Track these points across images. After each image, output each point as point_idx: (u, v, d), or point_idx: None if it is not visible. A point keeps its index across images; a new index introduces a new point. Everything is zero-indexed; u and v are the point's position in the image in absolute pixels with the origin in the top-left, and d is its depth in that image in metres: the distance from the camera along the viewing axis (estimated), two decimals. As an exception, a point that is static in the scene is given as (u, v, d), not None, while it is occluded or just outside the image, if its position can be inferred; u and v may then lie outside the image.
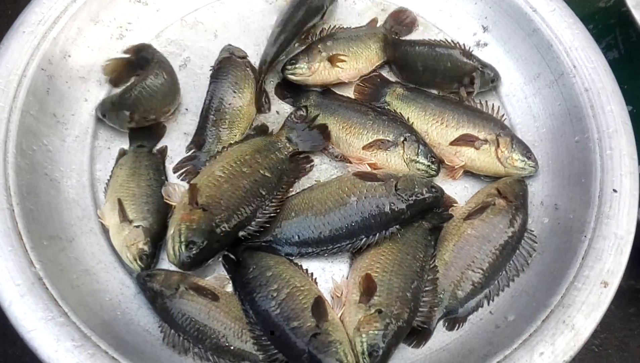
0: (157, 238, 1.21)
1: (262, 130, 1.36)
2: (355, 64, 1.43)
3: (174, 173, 1.32)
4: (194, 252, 1.11)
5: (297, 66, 1.39)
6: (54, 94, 1.30)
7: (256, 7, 1.54)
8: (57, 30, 1.32)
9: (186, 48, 1.48)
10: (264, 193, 1.21)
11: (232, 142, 1.31)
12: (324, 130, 1.34)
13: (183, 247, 1.11)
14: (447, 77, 1.43)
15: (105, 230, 1.23)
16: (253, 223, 1.18)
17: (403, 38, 1.53)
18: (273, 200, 1.22)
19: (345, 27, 1.51)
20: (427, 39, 1.50)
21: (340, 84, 1.45)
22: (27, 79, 1.25)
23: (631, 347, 1.76)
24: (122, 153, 1.33)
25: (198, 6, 1.53)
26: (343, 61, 1.40)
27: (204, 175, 1.21)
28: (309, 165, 1.33)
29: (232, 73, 1.37)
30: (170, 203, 1.21)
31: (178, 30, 1.50)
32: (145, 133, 1.35)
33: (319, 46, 1.41)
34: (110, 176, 1.29)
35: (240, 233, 1.17)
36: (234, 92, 1.35)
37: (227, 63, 1.39)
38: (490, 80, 1.43)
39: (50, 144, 1.27)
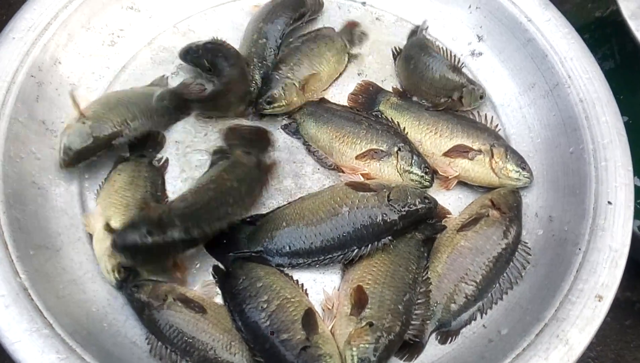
0: None
1: (223, 151, 1.32)
2: (322, 85, 1.43)
3: None
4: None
5: (275, 105, 1.35)
6: (43, 101, 1.29)
7: (249, 15, 1.52)
8: (48, 37, 1.31)
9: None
10: (231, 200, 1.17)
11: None
12: (262, 134, 1.33)
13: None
14: (433, 88, 1.40)
15: (93, 238, 1.22)
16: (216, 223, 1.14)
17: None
18: (242, 207, 1.20)
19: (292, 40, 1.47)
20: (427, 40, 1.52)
21: (333, 92, 1.45)
22: (16, 85, 1.23)
23: (627, 359, 1.74)
24: (122, 159, 1.30)
25: (191, 13, 1.52)
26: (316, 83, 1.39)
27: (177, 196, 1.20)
28: (273, 166, 1.31)
29: None
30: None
31: (170, 37, 1.48)
32: (146, 142, 1.33)
33: (288, 75, 1.37)
34: (106, 180, 1.27)
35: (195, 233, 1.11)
36: None
37: None
38: (480, 96, 1.39)
39: (38, 151, 1.25)
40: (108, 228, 1.16)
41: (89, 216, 1.22)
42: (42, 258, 1.14)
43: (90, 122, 1.24)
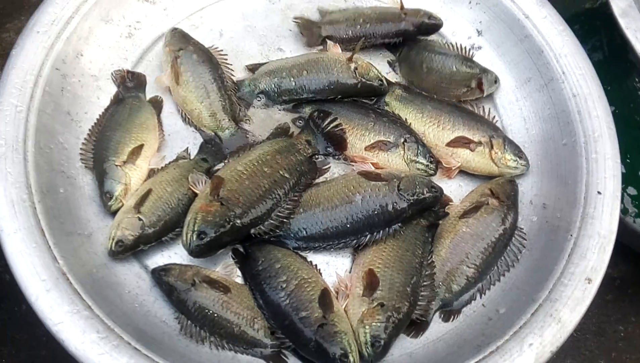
0: (143, 241, 1.23)
1: (284, 130, 1.41)
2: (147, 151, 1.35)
3: None
4: (204, 242, 1.16)
5: (117, 194, 1.28)
6: (67, 93, 1.33)
7: (260, 7, 1.58)
8: (70, 30, 1.35)
9: (192, 47, 1.51)
10: (280, 193, 1.25)
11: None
12: (340, 138, 1.37)
13: (194, 236, 1.16)
14: (453, 82, 1.48)
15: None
16: (266, 223, 1.23)
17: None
18: (288, 202, 1.26)
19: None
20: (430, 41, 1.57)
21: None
22: (43, 78, 1.28)
23: (607, 332, 1.85)
24: (184, 157, 1.37)
25: (204, 5, 1.56)
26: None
27: (227, 169, 1.27)
28: (325, 166, 1.37)
29: None
30: (195, 190, 1.25)
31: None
32: (214, 150, 1.38)
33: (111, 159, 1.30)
34: (165, 166, 1.33)
35: (252, 231, 1.23)
36: None
37: None
38: (495, 80, 1.48)
39: (65, 142, 1.30)
40: (137, 209, 1.23)
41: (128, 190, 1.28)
42: (75, 244, 1.20)
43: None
